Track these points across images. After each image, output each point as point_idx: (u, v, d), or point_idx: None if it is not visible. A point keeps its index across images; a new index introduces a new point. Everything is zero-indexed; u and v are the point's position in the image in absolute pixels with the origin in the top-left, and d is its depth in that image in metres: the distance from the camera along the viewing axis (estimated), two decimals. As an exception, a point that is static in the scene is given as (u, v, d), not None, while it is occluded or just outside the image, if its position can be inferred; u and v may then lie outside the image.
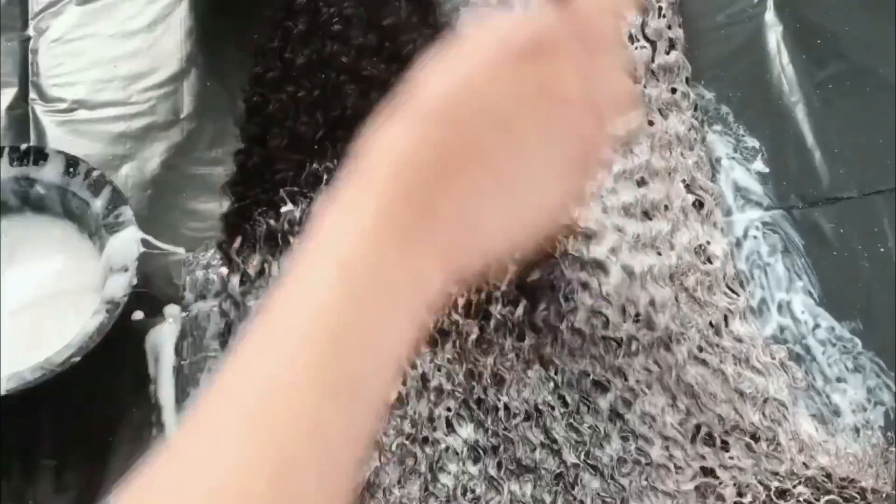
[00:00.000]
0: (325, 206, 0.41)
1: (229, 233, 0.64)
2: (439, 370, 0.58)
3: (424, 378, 0.58)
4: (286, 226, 0.63)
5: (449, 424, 0.57)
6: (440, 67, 0.44)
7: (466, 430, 0.57)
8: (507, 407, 0.57)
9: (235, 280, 0.62)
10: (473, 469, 0.56)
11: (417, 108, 0.42)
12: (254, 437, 0.35)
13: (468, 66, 0.43)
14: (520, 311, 0.59)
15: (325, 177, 0.64)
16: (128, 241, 0.60)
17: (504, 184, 0.43)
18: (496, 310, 0.59)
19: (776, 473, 0.55)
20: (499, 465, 0.56)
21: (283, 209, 0.63)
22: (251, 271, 0.62)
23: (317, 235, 0.40)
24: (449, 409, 0.57)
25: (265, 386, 0.36)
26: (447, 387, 0.58)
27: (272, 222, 0.63)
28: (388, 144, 0.41)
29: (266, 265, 0.62)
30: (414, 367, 0.58)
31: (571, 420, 0.57)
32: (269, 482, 0.34)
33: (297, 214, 0.63)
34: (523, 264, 0.59)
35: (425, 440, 0.56)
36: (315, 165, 0.64)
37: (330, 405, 0.36)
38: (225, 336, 0.61)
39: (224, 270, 0.63)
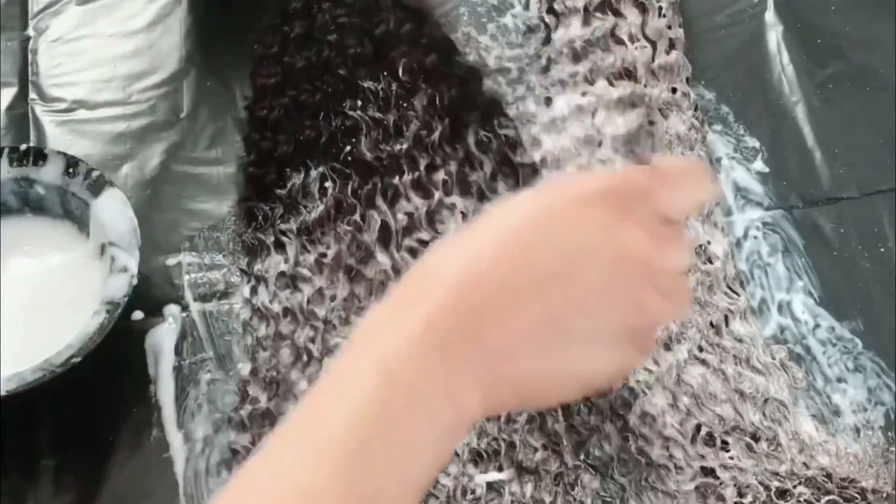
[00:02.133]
0: (373, 311, 0.40)
1: (246, 251, 0.64)
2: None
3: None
4: (297, 228, 0.63)
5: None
6: (515, 201, 0.43)
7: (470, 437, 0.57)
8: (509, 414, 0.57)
9: (247, 287, 0.63)
10: (474, 471, 0.56)
11: (488, 233, 0.41)
12: None
13: (545, 202, 0.43)
14: None
15: (332, 183, 0.63)
16: (128, 243, 0.60)
17: (559, 334, 0.41)
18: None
19: (776, 473, 0.55)
20: (500, 469, 0.56)
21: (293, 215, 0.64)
22: (266, 276, 0.62)
23: (360, 341, 0.39)
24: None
25: (287, 486, 0.35)
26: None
27: (282, 226, 0.63)
28: (451, 259, 0.41)
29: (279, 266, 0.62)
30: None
31: (572, 421, 0.57)
32: None
33: (309, 217, 0.63)
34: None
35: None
36: (321, 169, 0.64)
37: None
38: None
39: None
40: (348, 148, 0.64)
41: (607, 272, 0.42)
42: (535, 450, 0.56)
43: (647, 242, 0.43)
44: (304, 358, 0.59)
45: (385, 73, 0.66)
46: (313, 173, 0.64)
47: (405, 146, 0.63)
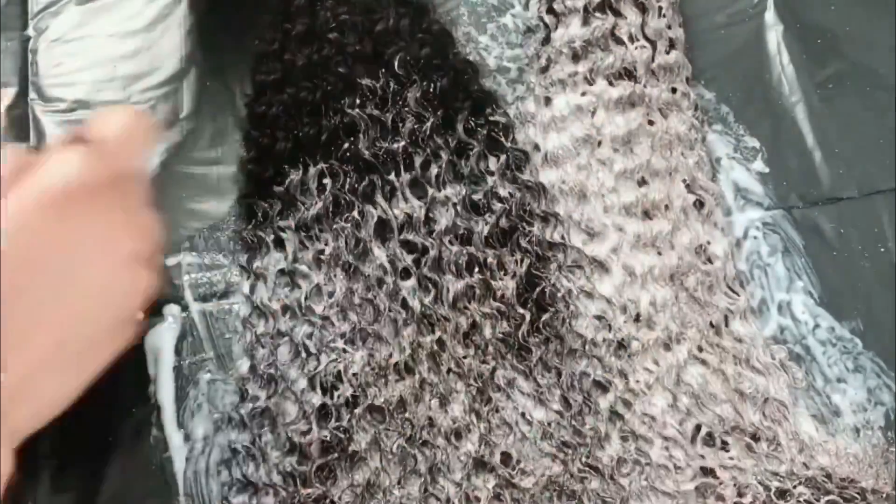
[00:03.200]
0: None
1: (245, 248, 0.64)
2: (440, 377, 0.58)
3: (423, 384, 0.58)
4: (295, 224, 0.63)
5: (457, 436, 0.57)
6: None
7: (470, 444, 0.57)
8: (505, 421, 0.57)
9: (247, 285, 0.63)
10: (476, 479, 0.56)
11: None
12: None
13: None
14: (524, 327, 0.59)
15: (330, 180, 0.64)
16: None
17: (49, 345, 0.42)
18: (498, 328, 0.59)
19: (776, 474, 0.55)
20: (497, 475, 0.56)
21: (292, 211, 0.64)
22: (265, 273, 0.62)
23: None
24: (454, 421, 0.57)
25: None
26: (449, 394, 0.58)
27: (281, 223, 0.63)
28: None
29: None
30: (412, 372, 0.58)
31: (574, 422, 0.57)
32: None
33: (307, 214, 0.63)
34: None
35: (425, 443, 0.56)
36: (321, 166, 0.64)
37: None
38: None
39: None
40: (346, 145, 0.64)
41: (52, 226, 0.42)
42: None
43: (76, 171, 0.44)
44: (303, 354, 0.59)
45: (383, 71, 0.66)
46: (311, 170, 0.64)
47: (402, 144, 0.63)
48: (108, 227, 0.44)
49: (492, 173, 0.63)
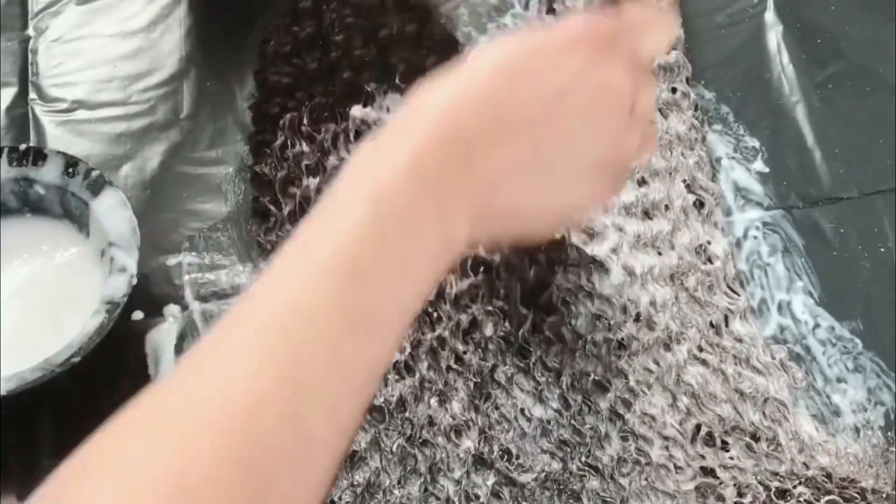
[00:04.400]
0: (363, 145, 0.40)
1: (260, 251, 0.64)
2: (441, 375, 0.58)
3: (423, 383, 0.58)
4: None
5: (456, 432, 0.57)
6: (503, 41, 0.44)
7: (469, 440, 0.56)
8: (504, 416, 0.57)
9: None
10: (476, 476, 0.56)
11: (477, 68, 0.42)
12: (271, 356, 0.35)
13: (531, 42, 0.44)
14: (527, 325, 0.59)
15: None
16: (127, 243, 0.60)
17: (544, 166, 0.43)
18: (500, 326, 0.59)
19: (776, 473, 0.55)
20: (496, 471, 0.56)
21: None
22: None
23: (351, 171, 0.40)
24: (453, 418, 0.57)
25: (286, 311, 0.36)
26: (450, 394, 0.58)
27: (290, 228, 0.64)
28: (437, 94, 0.41)
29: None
30: (412, 372, 0.58)
31: (573, 422, 0.57)
32: (281, 402, 0.34)
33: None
34: (532, 248, 0.59)
35: (424, 443, 0.56)
36: (327, 172, 0.64)
37: (348, 336, 0.36)
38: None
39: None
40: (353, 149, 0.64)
41: (589, 103, 0.44)
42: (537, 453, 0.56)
43: (625, 78, 0.45)
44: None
45: (388, 76, 0.66)
46: (319, 176, 0.64)
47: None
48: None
49: None
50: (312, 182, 0.64)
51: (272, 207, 0.64)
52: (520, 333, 0.59)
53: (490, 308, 0.60)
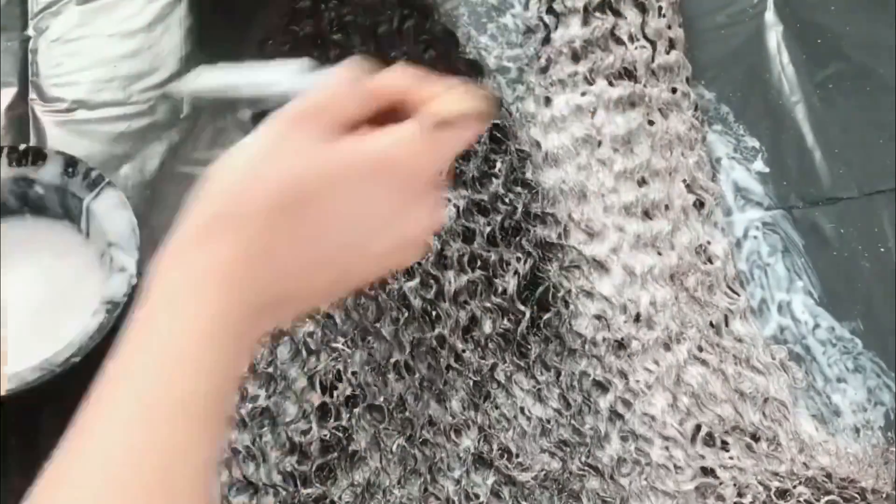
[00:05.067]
0: (168, 248, 0.41)
1: None
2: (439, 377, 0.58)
3: (423, 382, 0.58)
4: None
5: (457, 432, 0.57)
6: (230, 156, 0.42)
7: (469, 440, 0.56)
8: (504, 415, 0.57)
9: None
10: (475, 475, 0.56)
11: (203, 209, 0.41)
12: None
13: (254, 143, 0.43)
14: (524, 323, 0.59)
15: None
16: (127, 243, 0.60)
17: (327, 250, 0.42)
18: (498, 323, 0.59)
19: (776, 473, 0.55)
20: (496, 470, 0.56)
21: None
22: None
23: (159, 282, 0.41)
24: (453, 417, 0.57)
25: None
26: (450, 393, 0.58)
27: None
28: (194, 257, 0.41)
29: None
30: (412, 372, 0.58)
31: (573, 421, 0.57)
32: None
33: None
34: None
35: (424, 442, 0.56)
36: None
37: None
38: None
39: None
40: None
41: (360, 188, 0.42)
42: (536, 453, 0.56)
43: (406, 151, 0.43)
44: (304, 353, 0.59)
45: None
46: None
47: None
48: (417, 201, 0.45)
49: (497, 176, 0.63)
50: None
51: None
52: (518, 330, 0.59)
53: (488, 304, 0.59)
